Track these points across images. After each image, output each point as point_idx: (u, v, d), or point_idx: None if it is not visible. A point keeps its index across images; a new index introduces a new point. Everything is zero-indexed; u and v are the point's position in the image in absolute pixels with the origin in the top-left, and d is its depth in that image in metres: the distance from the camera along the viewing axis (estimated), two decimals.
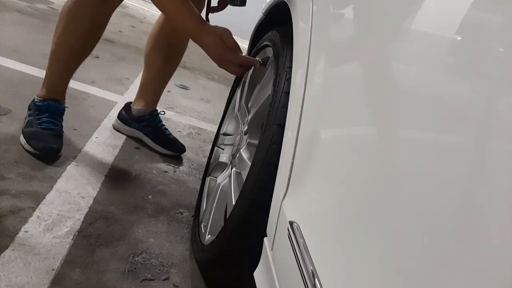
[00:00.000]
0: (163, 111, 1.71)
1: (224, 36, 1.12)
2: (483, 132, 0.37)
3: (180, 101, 2.31)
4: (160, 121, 1.65)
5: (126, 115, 1.64)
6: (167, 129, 1.66)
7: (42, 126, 1.33)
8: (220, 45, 1.11)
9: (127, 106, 1.65)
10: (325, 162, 0.60)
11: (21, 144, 1.29)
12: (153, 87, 1.64)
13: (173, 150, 1.62)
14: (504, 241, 0.32)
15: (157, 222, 1.20)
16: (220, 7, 1.36)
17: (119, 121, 1.65)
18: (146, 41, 1.62)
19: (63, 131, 1.39)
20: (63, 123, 1.41)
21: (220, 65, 1.15)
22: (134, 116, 1.62)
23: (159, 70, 1.60)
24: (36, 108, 1.37)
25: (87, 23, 1.31)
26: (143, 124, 1.62)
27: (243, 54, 1.15)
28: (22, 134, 1.31)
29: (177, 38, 1.54)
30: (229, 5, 1.30)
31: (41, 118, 1.35)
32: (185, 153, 1.67)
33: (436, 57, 0.45)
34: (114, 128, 1.66)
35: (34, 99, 1.40)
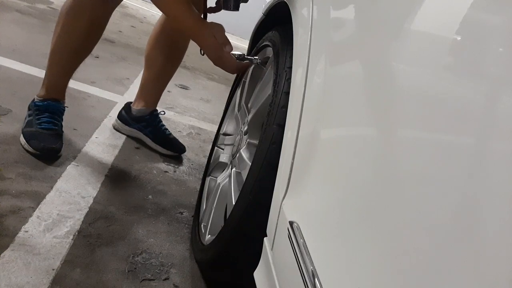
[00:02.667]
0: (163, 111, 1.71)
1: (216, 33, 1.14)
2: (483, 132, 0.37)
3: (180, 101, 2.31)
4: (160, 121, 1.65)
5: (126, 115, 1.64)
6: (167, 129, 1.66)
7: (42, 126, 1.32)
8: (217, 45, 1.13)
9: (127, 106, 1.65)
10: (325, 162, 0.60)
11: (21, 144, 1.29)
12: (154, 87, 1.64)
13: (173, 150, 1.62)
14: (504, 242, 0.32)
15: (157, 222, 1.20)
16: (217, 8, 1.37)
17: (119, 121, 1.65)
18: (146, 41, 1.62)
19: (63, 131, 1.39)
20: (63, 123, 1.41)
21: (216, 63, 1.18)
22: (134, 116, 1.62)
23: (159, 70, 1.60)
24: (36, 108, 1.37)
25: (86, 23, 1.31)
26: (143, 124, 1.62)
27: (234, 51, 1.19)
28: (22, 134, 1.31)
29: (178, 38, 1.54)
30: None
31: (41, 118, 1.35)
32: (185, 153, 1.67)
33: (434, 57, 0.45)
34: (114, 128, 1.66)
35: (34, 99, 1.40)
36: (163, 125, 1.66)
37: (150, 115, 1.62)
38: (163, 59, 1.57)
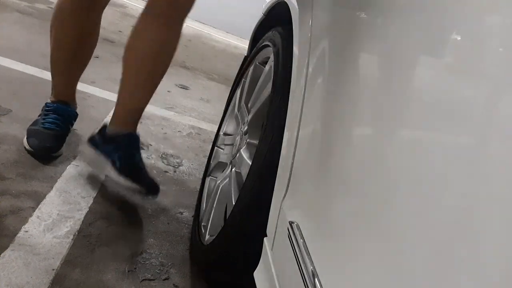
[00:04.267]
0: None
1: None
2: (481, 132, 0.37)
3: (180, 101, 2.31)
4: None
5: None
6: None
7: (45, 126, 1.32)
8: None
9: None
10: (325, 162, 0.60)
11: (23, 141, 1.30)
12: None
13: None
14: (504, 242, 0.32)
15: (157, 222, 1.20)
16: None
17: None
18: None
19: (67, 134, 1.38)
20: (70, 127, 1.40)
21: None
22: None
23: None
24: (46, 109, 1.37)
25: (75, 33, 1.28)
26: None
27: None
28: (26, 132, 1.31)
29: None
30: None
31: (46, 118, 1.35)
32: (185, 153, 1.67)
33: (432, 58, 0.45)
34: None
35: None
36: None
37: None
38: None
